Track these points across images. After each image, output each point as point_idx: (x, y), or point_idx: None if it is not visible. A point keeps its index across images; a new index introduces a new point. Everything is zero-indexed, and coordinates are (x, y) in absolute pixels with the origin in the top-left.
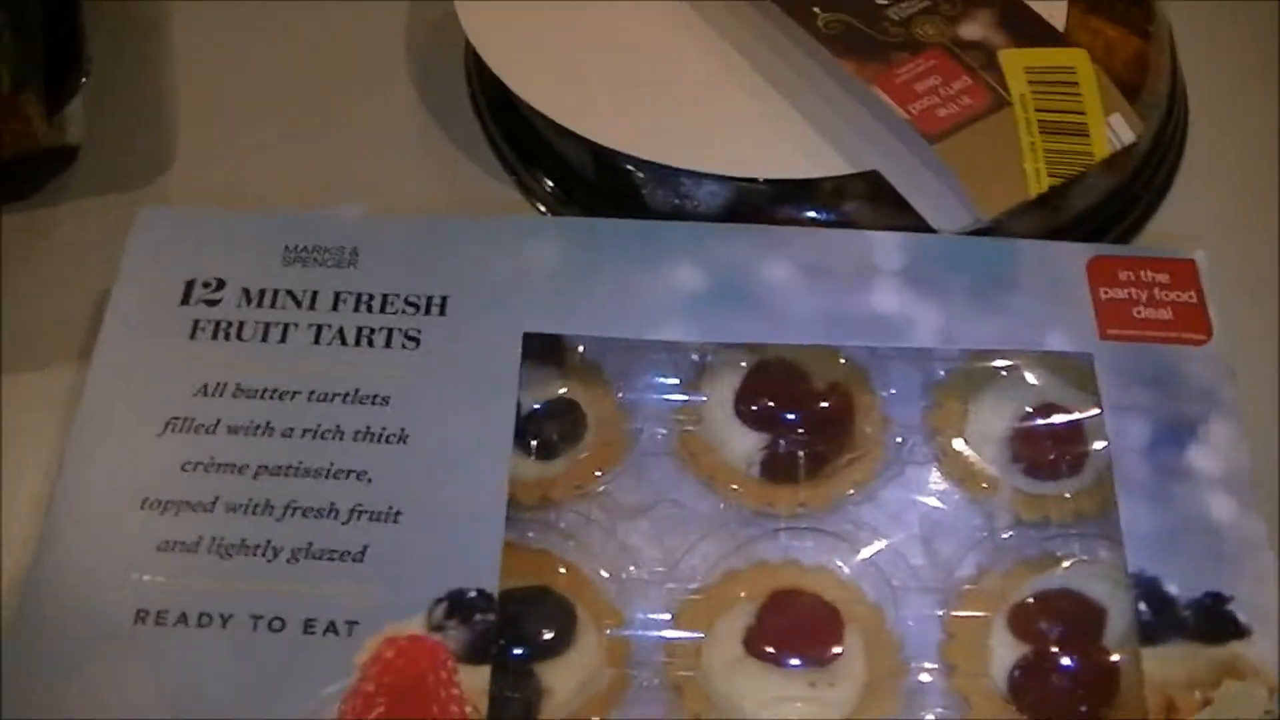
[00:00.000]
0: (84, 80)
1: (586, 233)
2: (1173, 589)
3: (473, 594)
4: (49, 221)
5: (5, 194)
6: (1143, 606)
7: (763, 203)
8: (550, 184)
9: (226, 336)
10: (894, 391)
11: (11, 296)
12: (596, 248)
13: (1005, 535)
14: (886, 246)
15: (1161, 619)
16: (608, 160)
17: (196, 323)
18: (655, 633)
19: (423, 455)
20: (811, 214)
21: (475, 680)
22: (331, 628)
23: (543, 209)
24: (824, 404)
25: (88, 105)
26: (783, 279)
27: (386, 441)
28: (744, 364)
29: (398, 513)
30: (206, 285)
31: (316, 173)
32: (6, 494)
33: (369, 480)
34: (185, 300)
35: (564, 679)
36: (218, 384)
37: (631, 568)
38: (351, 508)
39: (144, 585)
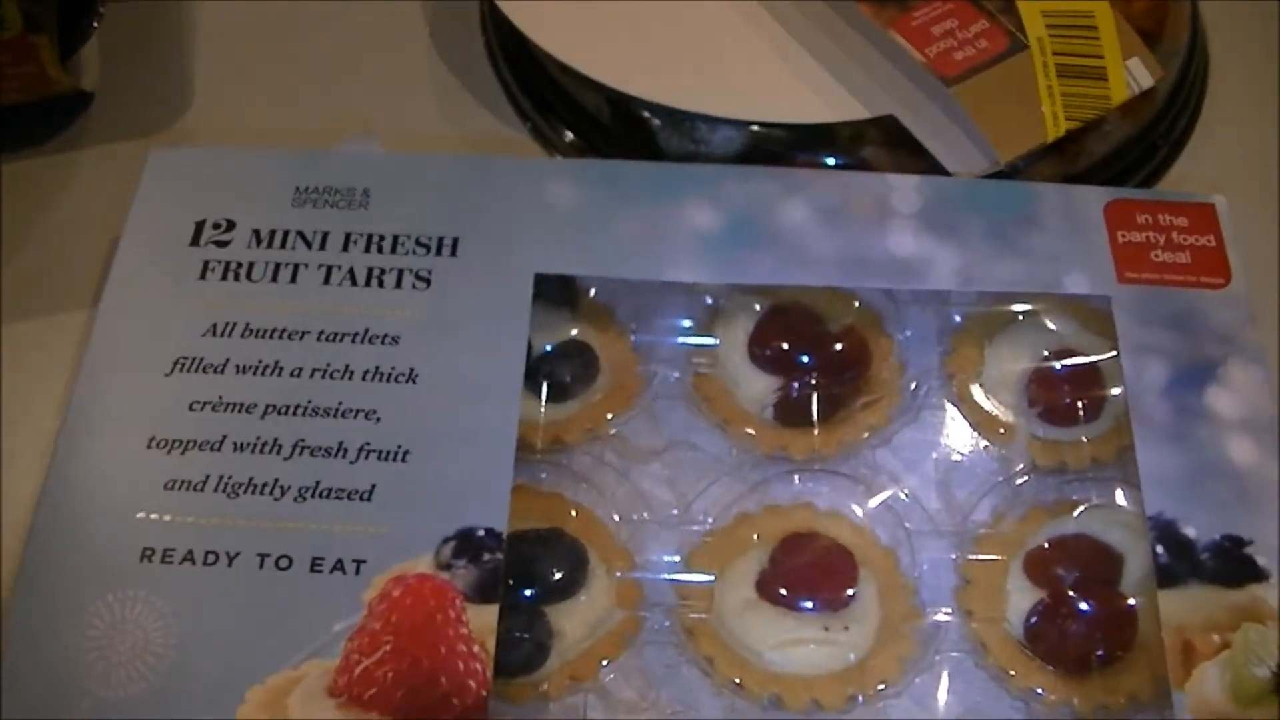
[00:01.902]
0: (96, 24)
1: (600, 174)
2: (1191, 532)
3: (481, 533)
4: (63, 167)
5: (19, 139)
6: (1160, 549)
7: (779, 148)
8: (565, 131)
9: (236, 277)
10: (909, 335)
11: (25, 242)
12: (610, 189)
13: (1021, 480)
14: (903, 189)
15: (1179, 562)
16: (623, 106)
17: (206, 263)
18: (667, 575)
19: (432, 395)
20: (828, 159)
21: (483, 619)
22: (339, 566)
23: (558, 156)
24: (839, 347)
25: (102, 50)
26: (799, 221)
27: (396, 381)
28: (758, 307)
29: (406, 452)
30: (216, 226)
31: (330, 119)
32: (15, 437)
33: (378, 420)
34: (195, 241)
35: (575, 621)
36: (227, 324)
37: (644, 511)
38: (360, 447)
39: (150, 523)
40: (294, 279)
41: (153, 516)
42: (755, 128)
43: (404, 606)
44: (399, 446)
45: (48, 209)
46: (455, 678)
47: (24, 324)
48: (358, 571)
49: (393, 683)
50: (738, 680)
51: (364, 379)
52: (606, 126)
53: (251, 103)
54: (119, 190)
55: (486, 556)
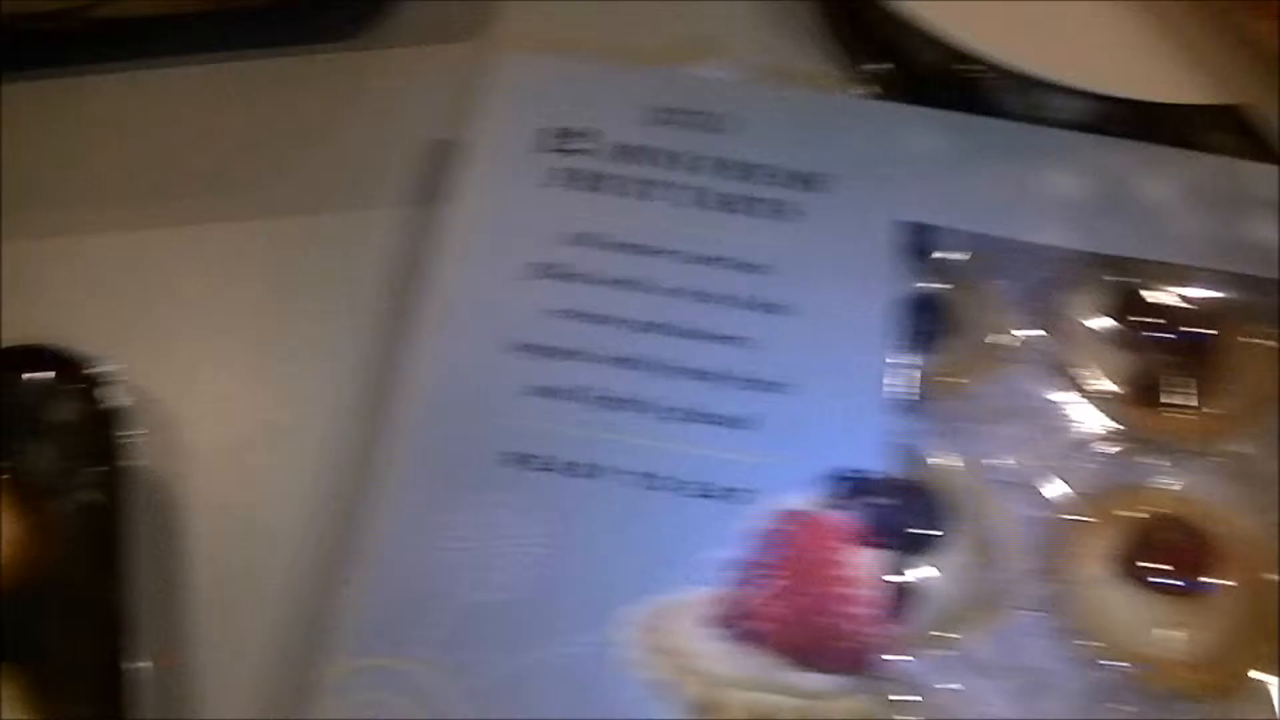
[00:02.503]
0: None
1: (962, 127)
2: None
3: (869, 476)
4: (374, 65)
5: (325, 32)
6: None
7: (1117, 124)
8: (895, 81)
9: (593, 188)
10: (1273, 326)
11: (338, 138)
12: (972, 143)
13: None
14: (1265, 177)
15: None
16: (959, 60)
17: (562, 171)
18: (1027, 541)
19: (805, 330)
20: (1168, 140)
21: (870, 563)
22: (717, 493)
23: None
24: (1204, 330)
25: None
26: (1160, 196)
27: (768, 311)
28: (1119, 279)
29: (782, 384)
30: (571, 135)
31: (647, 34)
32: (340, 335)
33: (751, 348)
34: (549, 148)
35: (938, 578)
36: (583, 234)
37: (1002, 474)
38: (734, 373)
39: (513, 428)
40: (652, 196)
41: (514, 421)
42: (1096, 100)
43: (800, 544)
44: (775, 377)
45: (357, 106)
46: (849, 622)
47: (332, 216)
48: (739, 500)
49: (788, 621)
50: (1098, 654)
51: (734, 305)
52: (936, 80)
53: (565, 10)
54: (430, 89)
55: (875, 500)
